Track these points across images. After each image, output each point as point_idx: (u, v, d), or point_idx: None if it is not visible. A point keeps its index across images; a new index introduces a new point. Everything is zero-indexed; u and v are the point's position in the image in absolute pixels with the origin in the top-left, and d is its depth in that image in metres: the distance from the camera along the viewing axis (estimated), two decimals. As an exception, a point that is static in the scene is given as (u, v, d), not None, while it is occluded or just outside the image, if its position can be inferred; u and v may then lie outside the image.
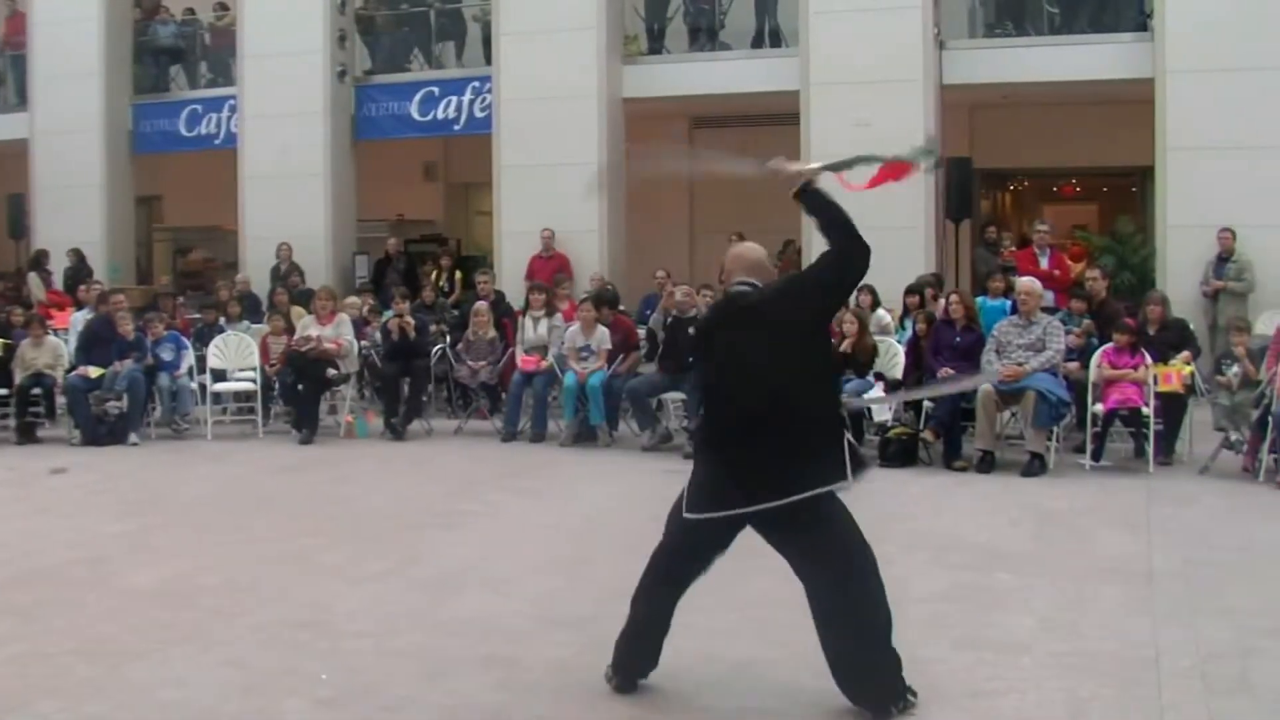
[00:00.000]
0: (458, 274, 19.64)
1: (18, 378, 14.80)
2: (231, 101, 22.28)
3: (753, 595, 7.62)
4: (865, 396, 12.62)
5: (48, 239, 22.85)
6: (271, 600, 7.65)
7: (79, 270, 21.20)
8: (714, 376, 6.22)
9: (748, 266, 6.47)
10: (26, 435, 14.71)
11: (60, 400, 14.96)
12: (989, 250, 18.35)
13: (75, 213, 22.67)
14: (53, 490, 12.08)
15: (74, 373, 14.64)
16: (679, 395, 13.66)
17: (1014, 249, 17.75)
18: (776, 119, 19.74)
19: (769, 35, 19.82)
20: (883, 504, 10.79)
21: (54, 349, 15.13)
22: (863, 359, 13.00)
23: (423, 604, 7.61)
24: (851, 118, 17.86)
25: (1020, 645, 6.75)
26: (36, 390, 14.83)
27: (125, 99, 23.42)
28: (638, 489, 11.59)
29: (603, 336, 14.25)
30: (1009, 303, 13.75)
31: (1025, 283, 12.96)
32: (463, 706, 5.93)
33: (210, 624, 7.23)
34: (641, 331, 15.00)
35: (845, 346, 13.01)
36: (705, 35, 20.18)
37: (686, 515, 6.10)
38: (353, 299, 17.07)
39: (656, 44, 20.53)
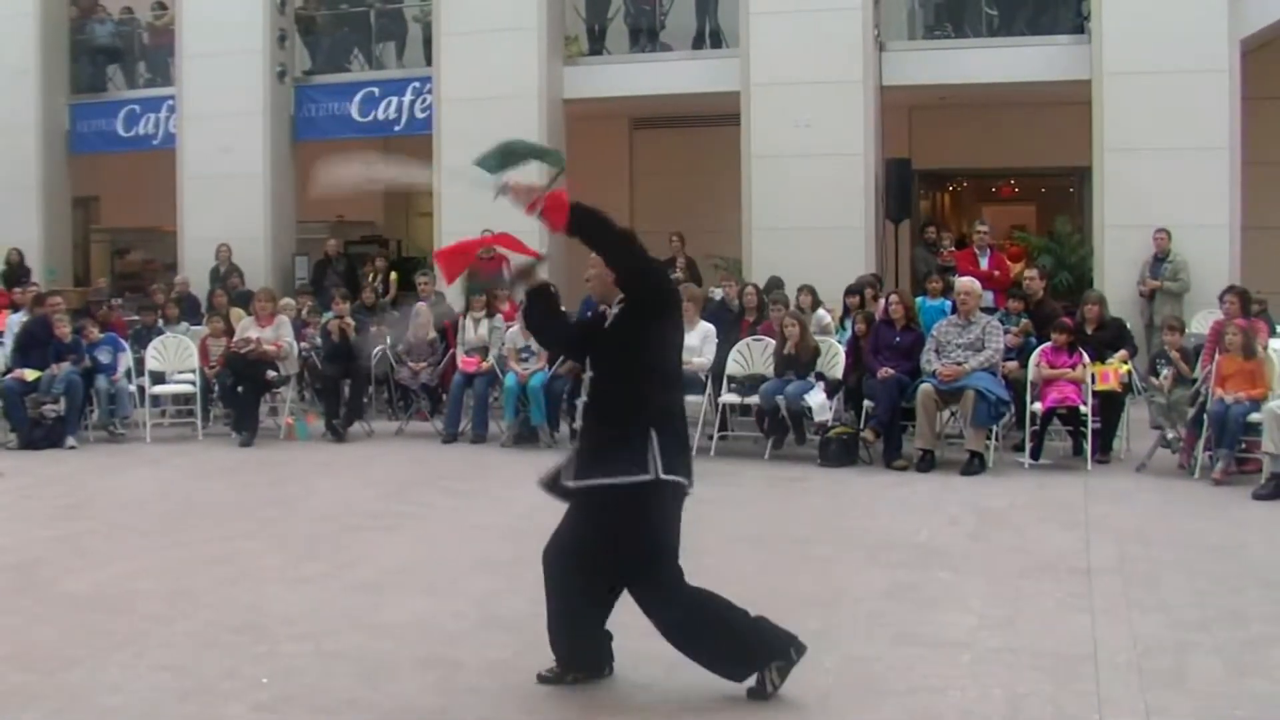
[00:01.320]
0: (393, 275, 19.56)
1: (-48, 382, 14.62)
2: (170, 101, 22.10)
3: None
4: (807, 397, 12.66)
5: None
6: (209, 604, 7.60)
7: (16, 272, 20.98)
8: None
9: None
10: (-39, 439, 14.54)
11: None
12: (928, 250, 18.45)
13: (11, 214, 22.41)
14: (-12, 494, 11.97)
15: (10, 375, 14.49)
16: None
17: (953, 249, 17.86)
18: (717, 119, 19.81)
19: (709, 36, 19.84)
20: (823, 503, 10.88)
21: (-12, 352, 14.98)
22: (804, 359, 13.03)
23: (362, 606, 7.57)
24: (791, 118, 17.96)
25: (960, 642, 6.78)
26: (-29, 394, 14.67)
27: (62, 98, 23.20)
28: (579, 490, 11.59)
29: (544, 338, 14.21)
30: (948, 303, 13.82)
31: (964, 283, 13.04)
32: (402, 709, 5.90)
33: (147, 629, 7.16)
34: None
35: (788, 348, 13.04)
36: (646, 36, 20.18)
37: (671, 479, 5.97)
38: (287, 300, 16.94)
39: (597, 45, 20.51)
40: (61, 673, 6.42)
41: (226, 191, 20.92)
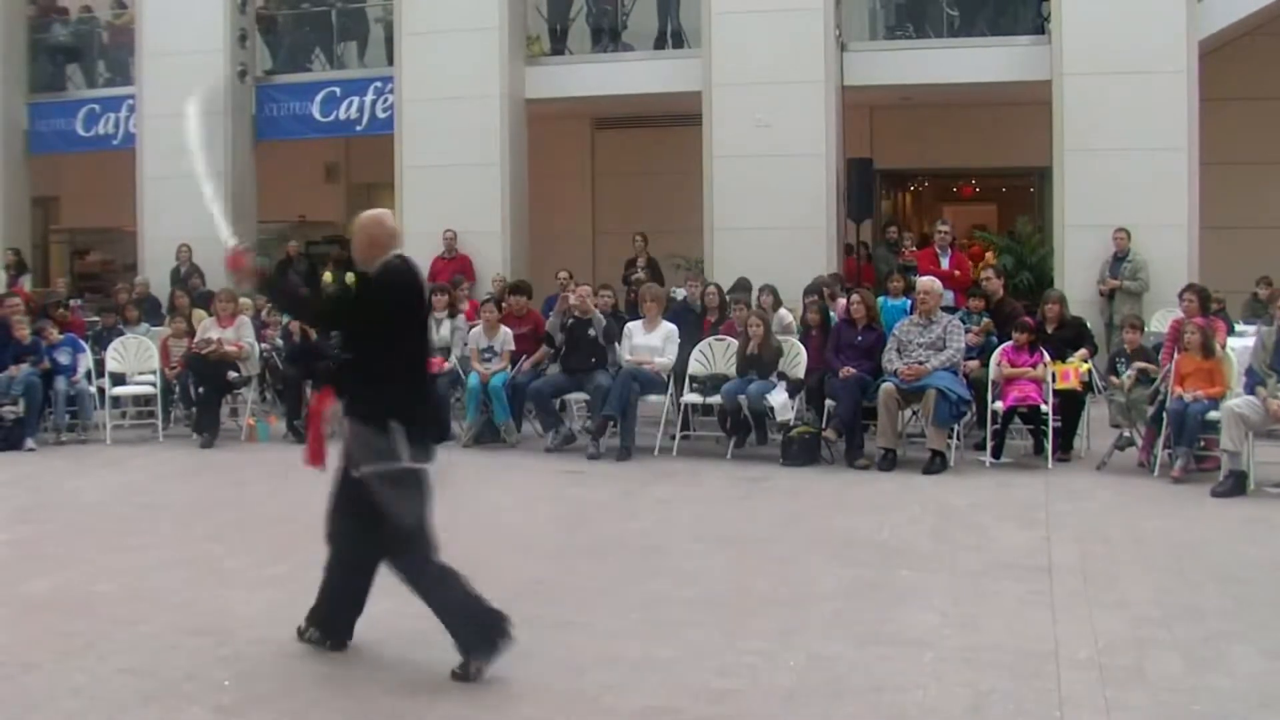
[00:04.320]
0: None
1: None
2: (130, 101, 22.00)
3: (649, 595, 7.67)
4: (769, 397, 12.69)
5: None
6: (171, 607, 7.56)
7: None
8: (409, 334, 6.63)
9: (398, 236, 6.82)
10: (-81, 441, 14.43)
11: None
12: (889, 250, 18.51)
13: (-31, 214, 22.31)
14: (-54, 496, 11.88)
15: (-33, 378, 14.39)
16: (582, 396, 13.66)
17: (914, 249, 17.92)
18: (679, 119, 19.85)
19: (671, 36, 19.87)
20: (785, 503, 10.90)
21: (-54, 354, 14.86)
22: (767, 359, 13.04)
23: (324, 607, 7.54)
24: (753, 118, 18.00)
25: (922, 641, 6.81)
26: (-71, 395, 14.56)
27: (20, 98, 23.05)
28: (538, 490, 11.62)
29: (505, 338, 14.21)
30: (909, 302, 13.86)
31: (925, 282, 13.08)
32: (366, 710, 5.89)
33: (109, 631, 7.12)
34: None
35: (751, 348, 13.06)
36: (608, 36, 20.20)
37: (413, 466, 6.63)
38: (247, 300, 16.84)
39: (559, 45, 20.53)
40: (22, 676, 6.38)
41: (186, 192, 20.65)
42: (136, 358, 15.36)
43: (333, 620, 6.80)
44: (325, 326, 6.78)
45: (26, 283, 20.87)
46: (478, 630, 6.29)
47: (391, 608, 7.31)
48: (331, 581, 6.84)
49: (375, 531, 6.55)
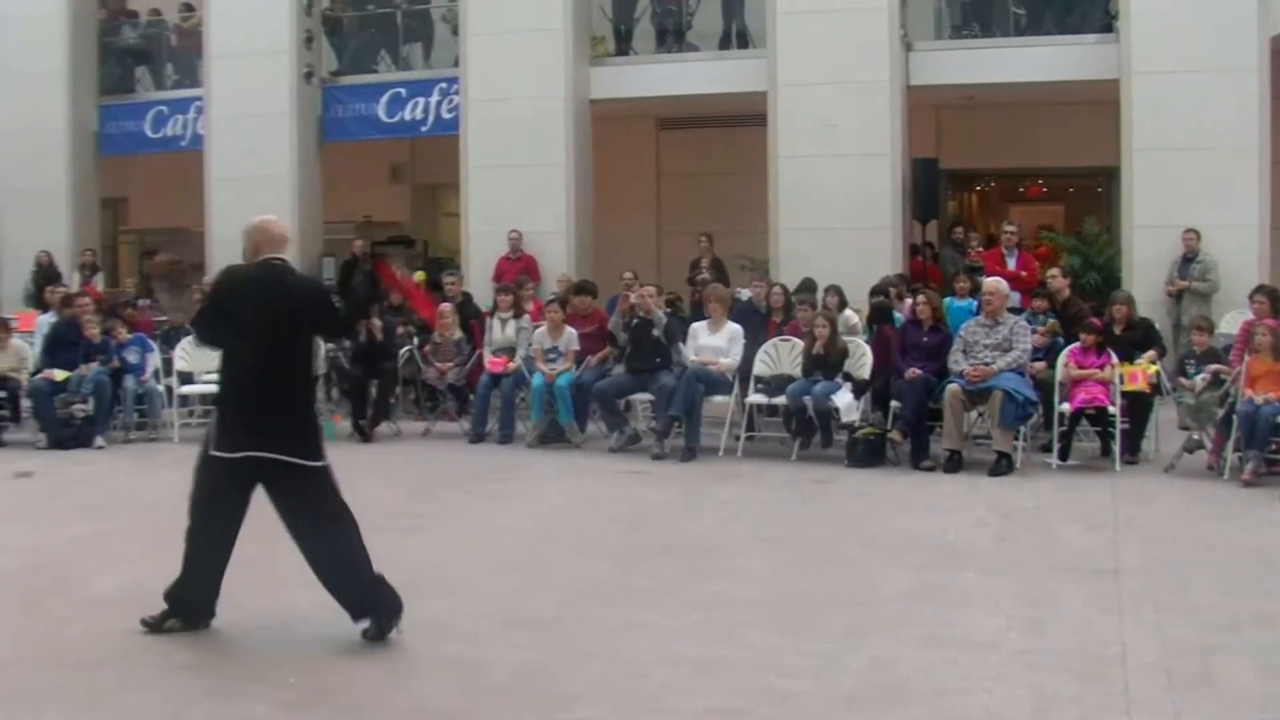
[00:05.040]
0: (420, 275, 19.55)
1: (-18, 381, 14.72)
2: (198, 103, 22.16)
3: (711, 596, 7.64)
4: (834, 398, 12.64)
5: (12, 241, 22.70)
6: (233, 605, 7.58)
7: (46, 273, 21.04)
8: (237, 333, 7.02)
9: (278, 242, 7.28)
10: (-9, 439, 14.64)
11: (25, 404, 14.86)
12: (955, 250, 18.40)
13: (40, 215, 22.52)
14: (17, 494, 12.00)
15: (39, 376, 14.55)
16: (647, 396, 13.64)
17: (981, 249, 17.80)
18: (744, 120, 19.79)
19: (736, 36, 19.82)
20: (849, 504, 10.85)
21: (18, 352, 15.06)
22: (832, 360, 12.99)
23: (386, 606, 7.56)
24: (818, 119, 17.93)
25: (986, 643, 6.75)
26: (1, 394, 14.75)
27: (90, 100, 23.27)
28: (602, 490, 11.61)
29: (570, 338, 14.23)
30: (975, 303, 13.77)
31: (991, 283, 12.98)
32: (425, 709, 5.89)
33: (173, 628, 7.15)
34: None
35: (817, 348, 13.01)
36: (672, 37, 20.17)
37: (212, 453, 6.99)
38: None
39: (624, 45, 20.51)
40: (87, 672, 6.44)
41: (253, 192, 20.93)
42: (204, 357, 15.45)
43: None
44: (197, 334, 7.38)
45: (99, 282, 21.06)
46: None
47: (450, 607, 7.35)
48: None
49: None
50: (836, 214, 17.83)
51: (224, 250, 20.38)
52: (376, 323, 15.03)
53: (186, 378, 15.42)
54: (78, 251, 22.30)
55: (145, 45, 23.74)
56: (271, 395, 6.94)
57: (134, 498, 11.66)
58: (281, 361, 7.00)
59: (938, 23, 19.68)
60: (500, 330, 14.96)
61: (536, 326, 14.72)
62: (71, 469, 13.11)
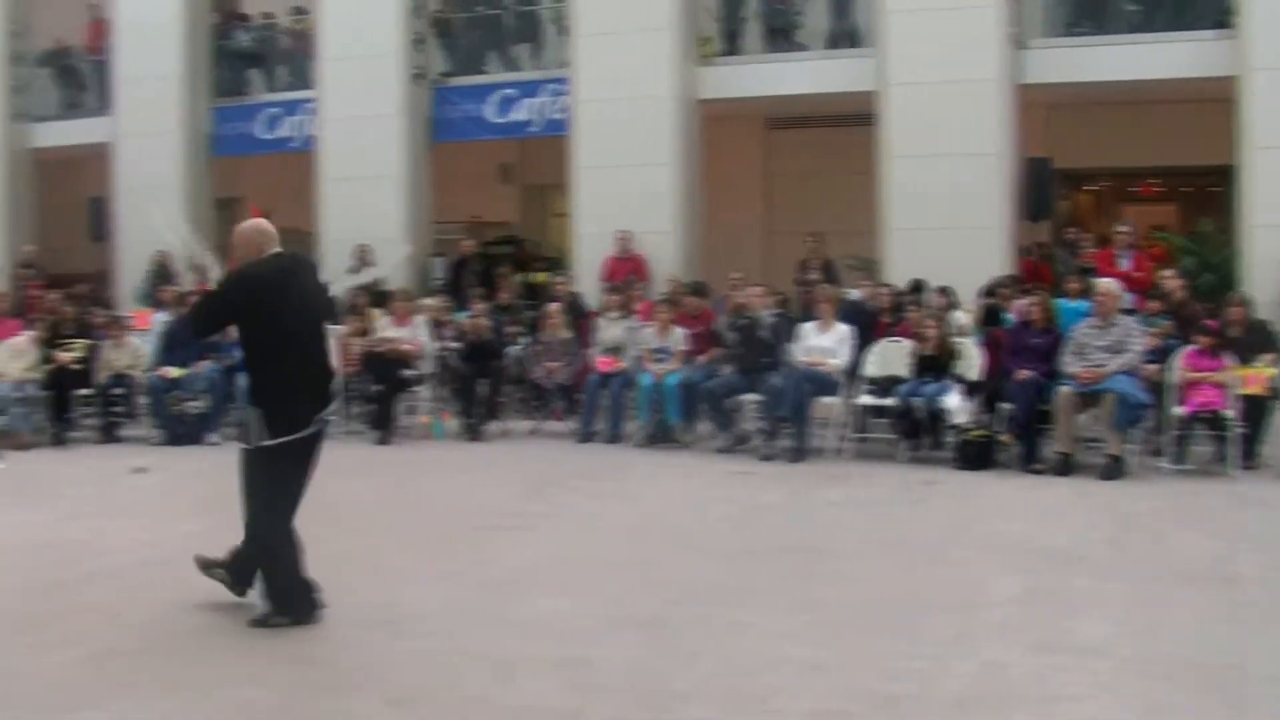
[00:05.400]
0: (540, 275, 19.65)
1: (99, 378, 15.03)
2: (309, 104, 22.39)
3: (819, 598, 7.61)
4: (944, 399, 12.55)
5: (130, 241, 23.10)
6: (343, 599, 7.67)
7: (163, 273, 21.37)
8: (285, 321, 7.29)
9: (275, 238, 7.46)
10: (108, 435, 14.99)
11: (141, 400, 15.15)
12: (1068, 251, 18.18)
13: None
14: (133, 489, 12.23)
15: (154, 373, 14.84)
16: (755, 397, 13.61)
17: (1093, 250, 17.57)
18: (853, 119, 19.63)
19: (845, 35, 19.70)
20: (959, 507, 10.77)
21: (134, 350, 15.37)
22: (942, 361, 12.90)
23: (493, 604, 7.61)
24: (928, 118, 17.76)
25: (1097, 650, 6.66)
26: (118, 390, 15.07)
27: (204, 102, 23.59)
28: (709, 490, 11.58)
29: (679, 338, 14.24)
30: (1088, 304, 13.60)
31: (1104, 284, 12.82)
32: (533, 708, 5.91)
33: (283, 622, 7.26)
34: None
35: (926, 349, 12.93)
36: (781, 36, 20.09)
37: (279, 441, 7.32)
38: (429, 300, 17.10)
39: (732, 45, 20.46)
40: (197, 665, 6.55)
41: (364, 193, 21.17)
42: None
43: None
44: (200, 329, 7.69)
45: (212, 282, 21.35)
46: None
47: (558, 606, 7.39)
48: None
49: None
50: (946, 214, 17.66)
51: (335, 249, 20.68)
52: (485, 322, 15.12)
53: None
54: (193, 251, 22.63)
55: (258, 48, 24.02)
56: (324, 365, 7.46)
57: (245, 494, 11.80)
58: (322, 334, 7.53)
59: (1049, 20, 19.44)
60: (609, 330, 15.01)
61: (645, 326, 14.75)
62: (185, 465, 13.34)
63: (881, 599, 7.72)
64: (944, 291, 14.61)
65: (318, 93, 22.02)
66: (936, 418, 12.79)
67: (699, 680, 6.20)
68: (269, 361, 7.32)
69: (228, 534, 9.66)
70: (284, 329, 7.23)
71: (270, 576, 7.33)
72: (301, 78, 23.04)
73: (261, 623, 7.17)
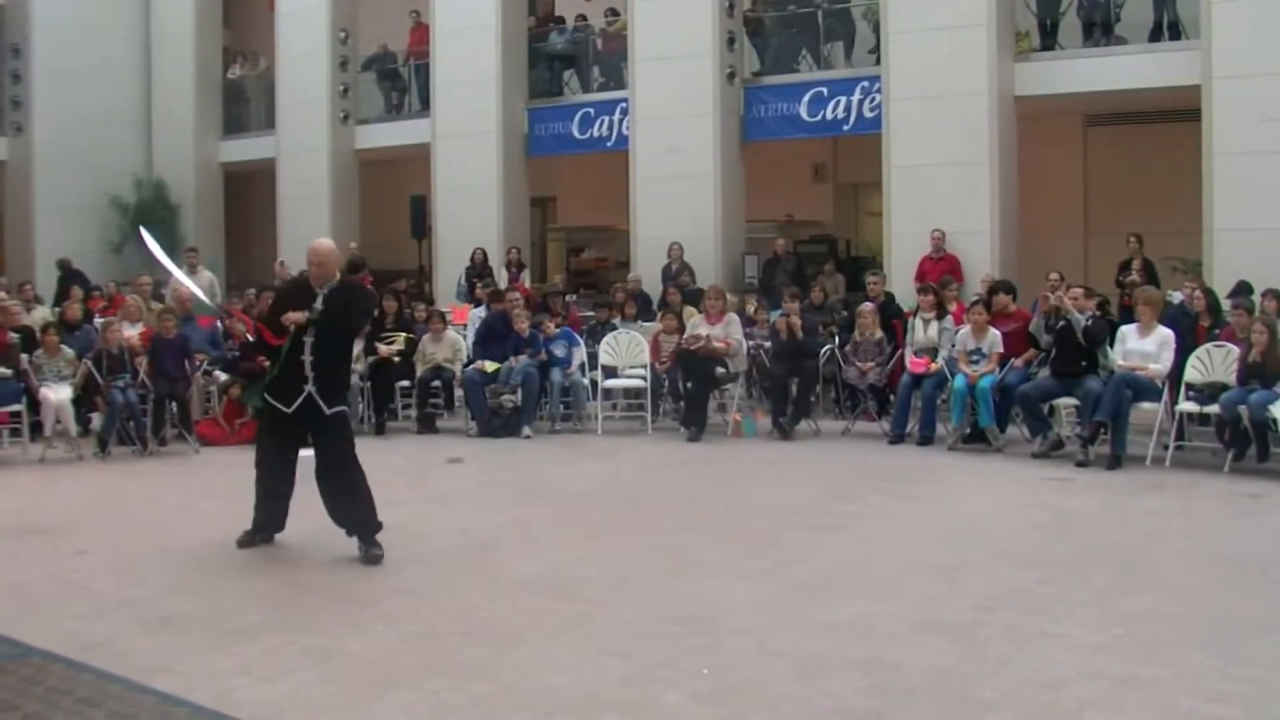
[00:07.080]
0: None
1: (419, 371, 15.60)
2: (623, 104, 22.72)
3: (1134, 611, 7.37)
4: (1272, 408, 12.03)
5: (448, 238, 23.85)
6: (651, 594, 7.76)
7: (480, 269, 21.95)
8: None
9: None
10: (426, 425, 15.59)
11: (458, 393, 15.62)
12: None
13: (474, 213, 23.57)
14: (449, 478, 12.64)
15: (471, 367, 15.30)
16: (1072, 401, 13.26)
17: None
18: (1176, 115, 19.01)
19: (1167, 27, 19.02)
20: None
21: (452, 343, 15.86)
22: (1271, 368, 12.35)
23: (801, 604, 7.60)
24: (1259, 112, 16.99)
25: None
26: (436, 383, 15.63)
27: (520, 103, 24.18)
28: (1023, 496, 11.33)
29: (994, 340, 13.98)
30: None
31: None
32: (838, 709, 5.87)
33: (591, 614, 7.39)
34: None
35: (1254, 355, 12.41)
36: (1100, 30, 19.54)
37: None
38: (739, 298, 17.16)
39: (1049, 40, 19.99)
40: (511, 650, 6.70)
41: (677, 192, 21.37)
42: (628, 352, 15.89)
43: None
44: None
45: (525, 279, 21.87)
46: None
47: (866, 608, 7.32)
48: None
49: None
50: (1275, 213, 16.91)
51: (649, 248, 20.96)
52: (798, 321, 15.05)
53: (610, 372, 15.86)
54: (508, 249, 23.25)
55: (572, 50, 24.52)
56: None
57: (558, 487, 12.07)
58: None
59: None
60: (923, 330, 14.83)
61: (959, 328, 14.53)
62: (500, 457, 13.70)
63: (1201, 615, 7.43)
64: (1273, 295, 14.00)
65: (631, 93, 22.33)
66: (1264, 427, 12.25)
67: (1005, 690, 6.07)
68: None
69: (540, 525, 9.91)
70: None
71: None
72: (615, 78, 23.42)
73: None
